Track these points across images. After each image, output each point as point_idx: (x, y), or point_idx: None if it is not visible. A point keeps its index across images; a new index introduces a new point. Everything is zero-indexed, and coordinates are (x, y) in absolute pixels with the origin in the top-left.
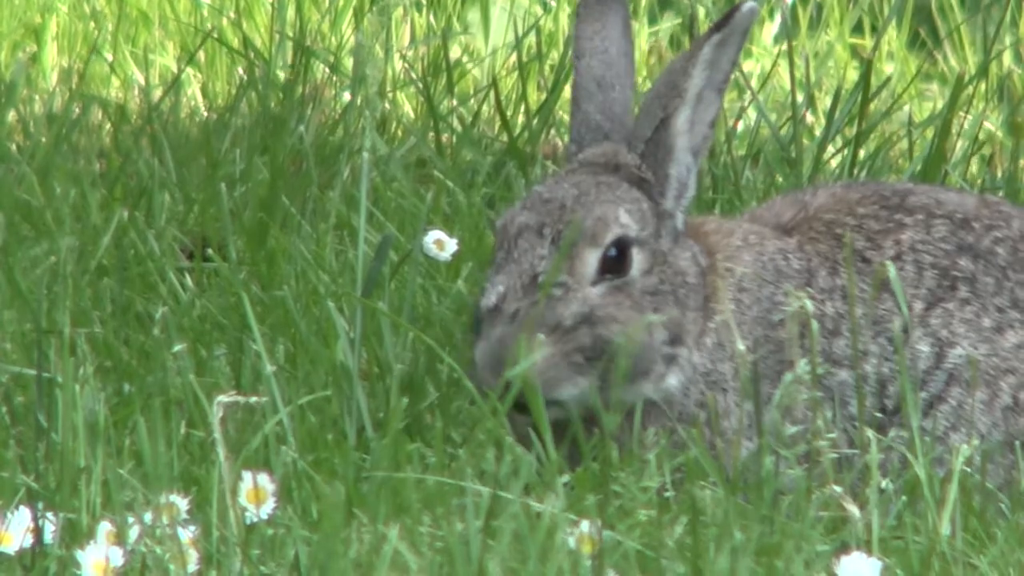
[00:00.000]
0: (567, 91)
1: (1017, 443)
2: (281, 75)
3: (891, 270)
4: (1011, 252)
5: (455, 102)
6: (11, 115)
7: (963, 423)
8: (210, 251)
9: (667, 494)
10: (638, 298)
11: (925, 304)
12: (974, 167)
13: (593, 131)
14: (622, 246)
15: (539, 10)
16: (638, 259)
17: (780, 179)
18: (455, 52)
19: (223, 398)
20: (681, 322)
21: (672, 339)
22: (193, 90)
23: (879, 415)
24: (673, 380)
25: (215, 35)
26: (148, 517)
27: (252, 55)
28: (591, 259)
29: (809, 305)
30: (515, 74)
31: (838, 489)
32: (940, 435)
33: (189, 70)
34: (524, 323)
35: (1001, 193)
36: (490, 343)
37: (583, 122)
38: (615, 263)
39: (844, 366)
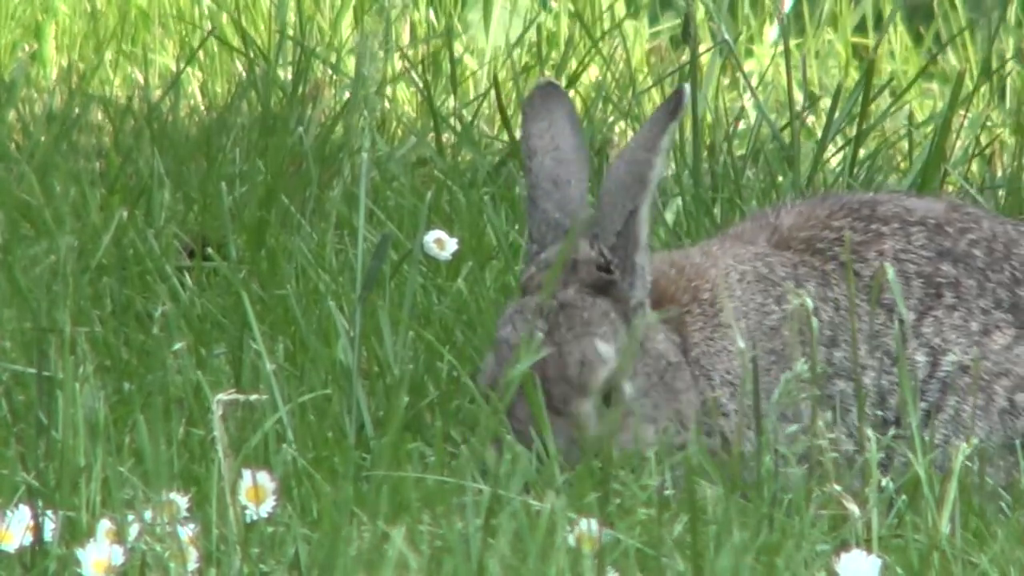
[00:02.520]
0: (569, 92)
1: (1017, 442)
2: (281, 74)
3: (890, 272)
4: (987, 253)
5: (455, 103)
6: (11, 114)
7: (961, 430)
8: (210, 250)
9: (667, 492)
10: (635, 409)
11: (916, 314)
12: (974, 167)
13: (553, 229)
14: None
15: (540, 10)
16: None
17: (780, 179)
18: (456, 51)
19: (223, 396)
20: (679, 409)
21: (677, 431)
22: (192, 89)
23: (880, 426)
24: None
25: (216, 34)
26: (148, 515)
27: (252, 54)
28: (587, 408)
29: (809, 303)
30: (515, 73)
31: (838, 488)
32: (939, 444)
33: (188, 69)
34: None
35: (1001, 192)
36: None
37: (543, 220)
38: (607, 399)
39: (843, 376)
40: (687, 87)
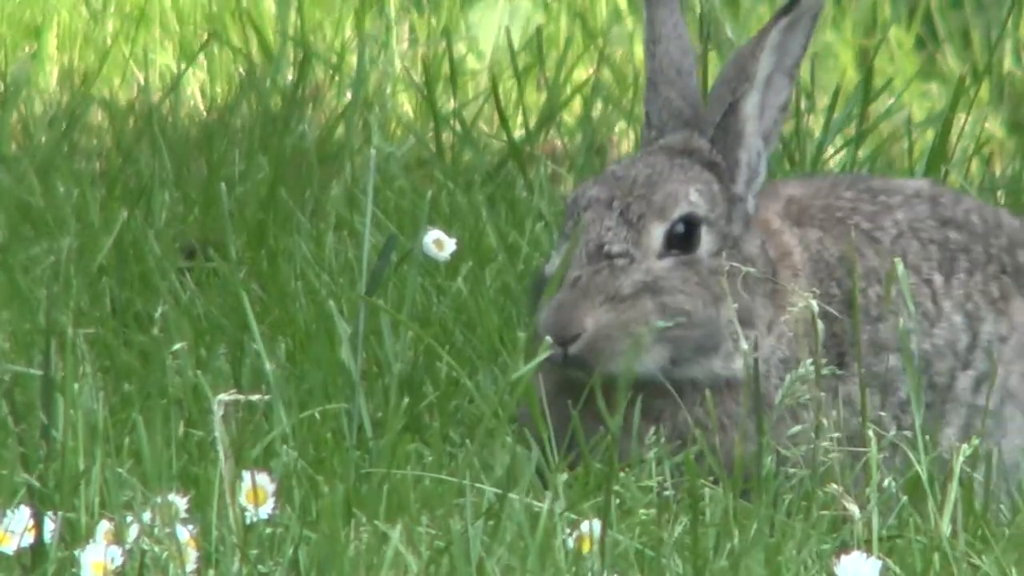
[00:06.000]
0: (567, 91)
1: (1017, 441)
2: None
3: (899, 267)
4: (982, 220)
5: (455, 104)
6: (12, 115)
7: (1010, 398)
8: (210, 250)
9: (666, 493)
10: (705, 276)
11: (943, 275)
12: (974, 167)
13: (675, 117)
14: (690, 223)
15: (538, 12)
16: (707, 239)
17: (780, 178)
18: (456, 51)
19: (224, 396)
20: (750, 307)
21: (741, 321)
22: (193, 90)
23: (927, 390)
24: (741, 362)
25: (219, 35)
26: (147, 516)
27: (253, 54)
28: (657, 232)
29: (814, 305)
30: (516, 74)
31: (839, 488)
32: (993, 409)
33: (188, 69)
34: (586, 290)
35: (1000, 193)
36: (551, 308)
37: (664, 108)
38: (682, 240)
39: (891, 350)
40: None
